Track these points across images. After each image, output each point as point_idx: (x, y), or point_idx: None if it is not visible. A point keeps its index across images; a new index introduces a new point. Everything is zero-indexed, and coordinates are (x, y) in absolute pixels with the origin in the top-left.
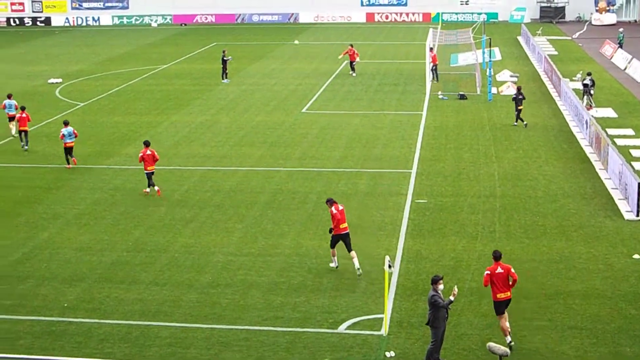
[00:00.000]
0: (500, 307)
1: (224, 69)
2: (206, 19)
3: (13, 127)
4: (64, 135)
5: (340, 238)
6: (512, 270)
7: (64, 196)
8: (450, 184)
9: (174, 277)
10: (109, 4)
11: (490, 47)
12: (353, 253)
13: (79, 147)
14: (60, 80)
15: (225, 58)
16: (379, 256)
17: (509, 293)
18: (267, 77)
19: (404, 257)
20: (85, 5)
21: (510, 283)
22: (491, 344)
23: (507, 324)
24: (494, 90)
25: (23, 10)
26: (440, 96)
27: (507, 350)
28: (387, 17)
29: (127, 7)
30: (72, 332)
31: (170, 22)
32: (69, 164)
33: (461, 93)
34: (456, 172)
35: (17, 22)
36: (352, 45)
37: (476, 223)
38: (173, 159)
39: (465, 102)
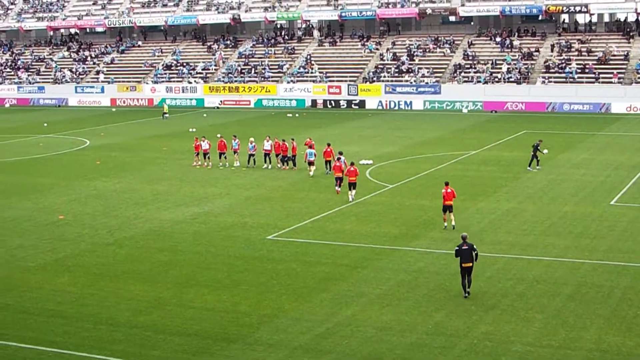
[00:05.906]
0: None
1: (535, 157)
2: (516, 106)
3: (312, 170)
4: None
5: None
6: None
7: (368, 275)
8: None
9: None
10: (422, 89)
11: None
12: None
13: (385, 227)
14: (371, 161)
15: (538, 147)
16: None
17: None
18: (576, 167)
19: None
20: (398, 90)
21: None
22: None
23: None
24: None
25: (339, 93)
26: None
27: None
28: None
29: (439, 93)
30: None
31: (480, 108)
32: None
33: None
34: None
35: (333, 104)
36: None
37: None
38: (478, 245)
39: None
